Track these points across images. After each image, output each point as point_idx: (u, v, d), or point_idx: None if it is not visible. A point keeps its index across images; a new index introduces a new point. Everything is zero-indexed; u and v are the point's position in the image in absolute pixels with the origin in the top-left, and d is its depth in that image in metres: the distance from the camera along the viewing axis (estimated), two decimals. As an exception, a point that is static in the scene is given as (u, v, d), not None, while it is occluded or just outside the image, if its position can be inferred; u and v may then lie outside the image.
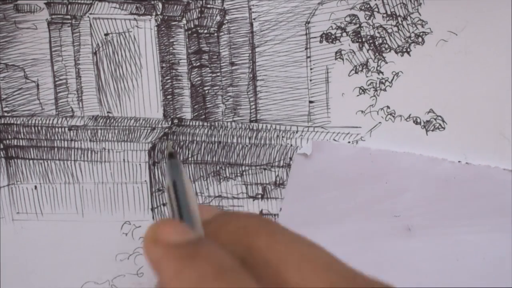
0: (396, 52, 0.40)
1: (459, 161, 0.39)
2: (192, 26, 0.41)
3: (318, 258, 0.23)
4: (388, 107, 0.40)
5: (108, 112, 0.41)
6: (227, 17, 0.40)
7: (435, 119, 0.40)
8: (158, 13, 0.40)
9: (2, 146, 0.42)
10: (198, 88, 0.41)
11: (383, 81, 0.40)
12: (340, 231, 0.40)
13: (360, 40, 0.40)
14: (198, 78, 0.41)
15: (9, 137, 0.41)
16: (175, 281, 0.21)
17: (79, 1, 0.40)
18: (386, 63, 0.40)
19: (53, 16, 0.41)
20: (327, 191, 0.40)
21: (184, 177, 0.28)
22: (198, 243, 0.23)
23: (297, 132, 0.41)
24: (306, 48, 0.40)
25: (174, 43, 0.41)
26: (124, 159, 0.41)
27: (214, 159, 0.41)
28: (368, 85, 0.40)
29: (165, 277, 0.22)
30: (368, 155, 0.40)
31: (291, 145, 0.41)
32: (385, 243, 0.40)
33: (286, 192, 0.41)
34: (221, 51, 0.41)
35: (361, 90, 0.40)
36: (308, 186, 0.40)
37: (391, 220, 0.40)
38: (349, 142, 0.40)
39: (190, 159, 0.41)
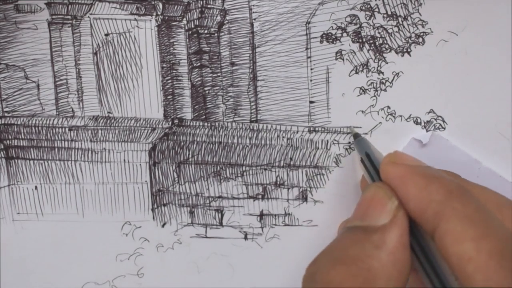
0: (397, 52, 0.40)
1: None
2: (193, 26, 0.41)
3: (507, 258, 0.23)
4: (388, 107, 0.40)
5: (108, 112, 0.41)
6: (227, 17, 0.40)
7: (435, 119, 0.40)
8: (159, 13, 0.40)
9: (2, 147, 0.41)
10: (199, 88, 0.41)
11: (384, 81, 0.40)
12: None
13: (360, 40, 0.40)
14: (199, 78, 0.41)
15: (10, 137, 0.41)
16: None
17: (79, 1, 0.40)
18: (387, 63, 0.40)
19: (54, 17, 0.41)
20: None
21: (373, 149, 0.35)
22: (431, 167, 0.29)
23: (297, 132, 0.41)
24: (307, 49, 0.40)
25: (175, 43, 0.41)
26: (124, 160, 0.41)
27: (214, 159, 0.41)
28: (369, 85, 0.40)
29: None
30: (477, 170, 0.39)
31: (291, 145, 0.41)
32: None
33: None
34: (221, 51, 0.41)
35: (361, 90, 0.40)
36: None
37: None
38: (349, 143, 0.40)
39: (190, 159, 0.41)
